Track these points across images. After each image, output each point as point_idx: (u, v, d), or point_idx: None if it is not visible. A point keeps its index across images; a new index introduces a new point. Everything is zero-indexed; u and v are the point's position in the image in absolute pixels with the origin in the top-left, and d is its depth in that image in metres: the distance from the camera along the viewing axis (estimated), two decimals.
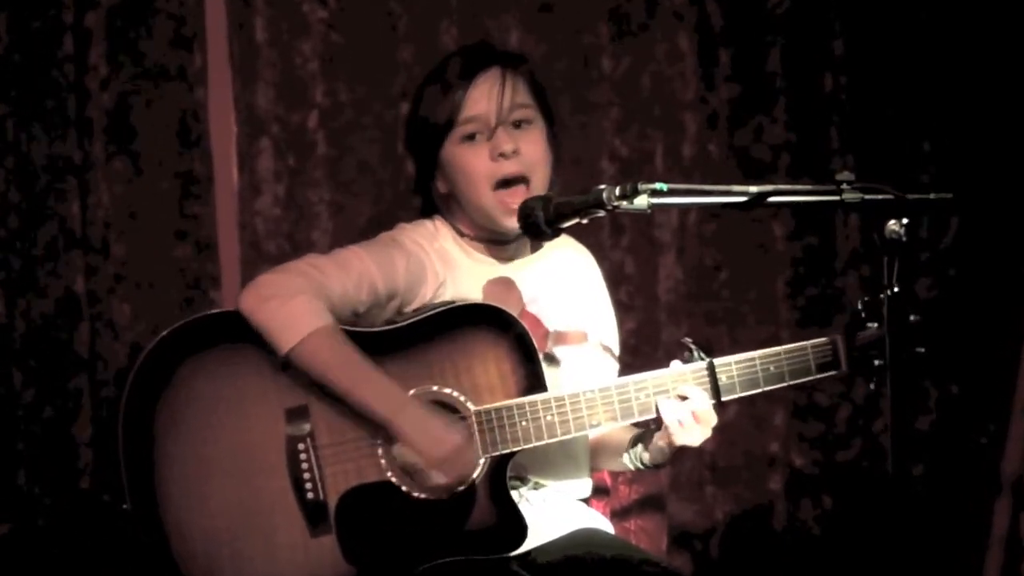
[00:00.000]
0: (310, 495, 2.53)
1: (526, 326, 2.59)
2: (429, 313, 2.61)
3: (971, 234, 4.19)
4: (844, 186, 2.33)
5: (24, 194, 3.65)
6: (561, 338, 2.75)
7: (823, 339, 2.62)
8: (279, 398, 2.54)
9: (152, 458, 2.51)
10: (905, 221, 2.27)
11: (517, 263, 2.78)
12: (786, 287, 4.21)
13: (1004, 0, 4.12)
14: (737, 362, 2.60)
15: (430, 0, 3.92)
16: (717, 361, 2.60)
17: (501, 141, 2.68)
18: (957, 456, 4.21)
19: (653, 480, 2.97)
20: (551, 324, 2.75)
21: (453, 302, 2.63)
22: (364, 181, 3.90)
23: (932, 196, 2.34)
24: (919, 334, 2.43)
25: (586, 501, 2.83)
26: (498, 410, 2.56)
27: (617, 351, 2.87)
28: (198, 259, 3.77)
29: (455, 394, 2.57)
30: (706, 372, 2.59)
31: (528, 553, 2.61)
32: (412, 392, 2.55)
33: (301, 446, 2.53)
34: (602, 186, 2.43)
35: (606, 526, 2.81)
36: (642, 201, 2.38)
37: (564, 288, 2.81)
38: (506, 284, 2.73)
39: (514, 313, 2.61)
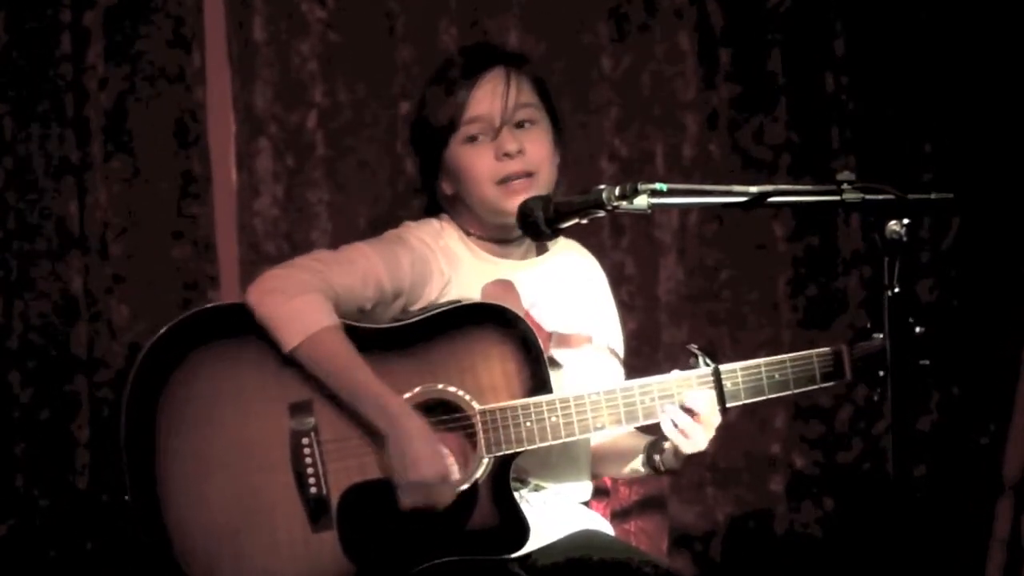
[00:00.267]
0: (313, 490, 2.51)
1: None
2: (435, 311, 2.59)
3: (972, 234, 4.18)
4: (845, 186, 2.32)
5: (21, 194, 3.64)
6: (563, 340, 2.74)
7: (828, 348, 2.62)
8: (282, 393, 2.52)
9: (154, 453, 2.49)
10: (906, 221, 2.25)
11: (522, 264, 2.77)
12: (787, 287, 4.20)
13: (1004, 0, 4.12)
14: (742, 369, 2.60)
15: (429, 0, 3.92)
16: (722, 368, 2.59)
17: (505, 141, 2.67)
18: (958, 457, 4.20)
19: (653, 482, 2.96)
20: (551, 327, 2.73)
21: (459, 301, 2.62)
22: (363, 181, 3.89)
23: (933, 196, 2.33)
24: (923, 346, 2.42)
25: (586, 503, 2.82)
26: (503, 410, 2.55)
27: (622, 356, 2.86)
28: (196, 259, 3.76)
29: (460, 393, 2.56)
30: (711, 378, 2.59)
31: (528, 555, 2.59)
32: (417, 390, 2.54)
33: (305, 440, 2.51)
34: (602, 186, 2.41)
35: (606, 528, 2.80)
36: (642, 201, 2.37)
37: (567, 292, 2.79)
38: (505, 287, 2.71)
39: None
